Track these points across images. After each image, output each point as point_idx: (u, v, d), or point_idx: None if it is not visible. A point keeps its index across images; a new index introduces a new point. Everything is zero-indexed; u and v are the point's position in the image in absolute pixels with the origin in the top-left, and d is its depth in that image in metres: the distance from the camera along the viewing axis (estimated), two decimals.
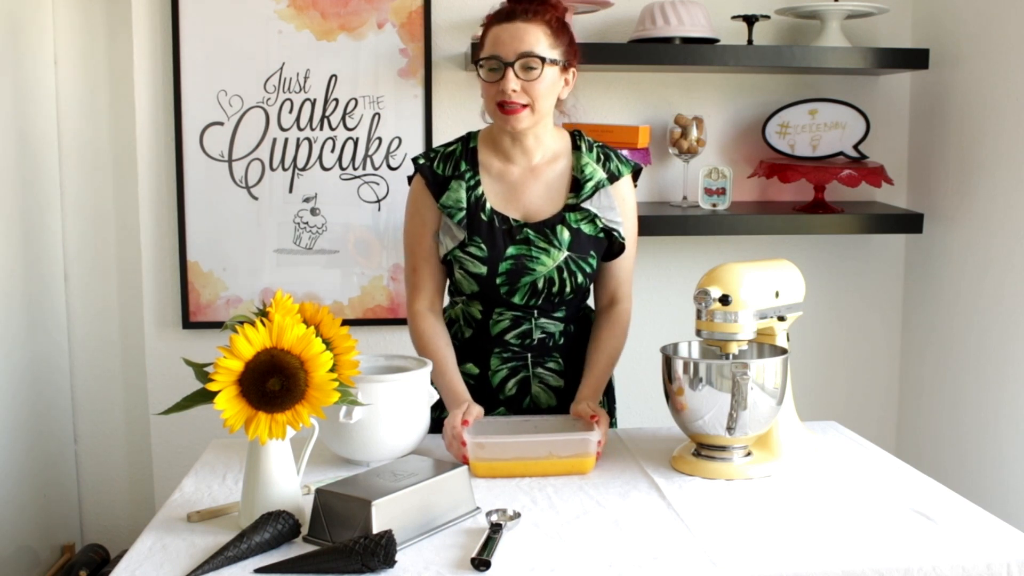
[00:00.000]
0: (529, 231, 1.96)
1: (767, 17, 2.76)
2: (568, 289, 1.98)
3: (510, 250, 1.95)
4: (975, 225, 2.67)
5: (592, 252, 1.98)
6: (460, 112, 2.78)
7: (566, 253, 1.96)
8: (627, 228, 2.02)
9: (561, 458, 1.76)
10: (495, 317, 2.02)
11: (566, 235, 1.96)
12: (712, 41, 2.69)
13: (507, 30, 1.87)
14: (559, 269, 1.96)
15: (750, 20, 2.73)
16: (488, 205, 1.97)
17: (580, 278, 1.98)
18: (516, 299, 1.98)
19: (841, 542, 1.49)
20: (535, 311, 2.01)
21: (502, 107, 1.88)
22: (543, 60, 1.86)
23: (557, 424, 1.92)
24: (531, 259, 1.95)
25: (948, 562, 1.43)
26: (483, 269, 1.96)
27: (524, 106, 1.88)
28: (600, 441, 1.80)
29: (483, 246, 1.95)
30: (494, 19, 1.92)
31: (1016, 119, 2.49)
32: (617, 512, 1.61)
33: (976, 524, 1.56)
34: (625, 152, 2.65)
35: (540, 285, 1.96)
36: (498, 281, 1.96)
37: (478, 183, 1.98)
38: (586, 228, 1.97)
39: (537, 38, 1.86)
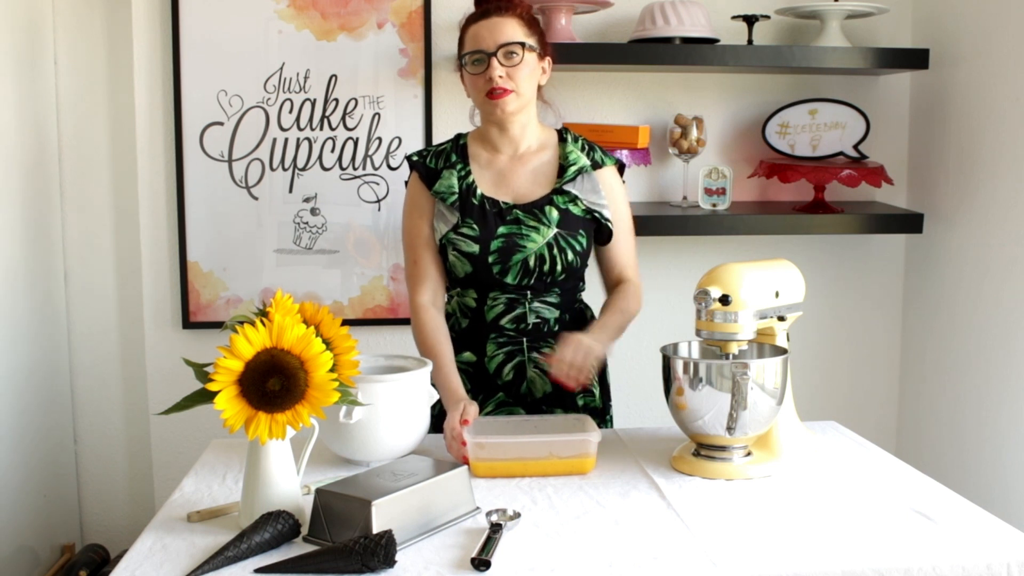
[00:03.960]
0: (519, 212, 2.04)
1: (767, 17, 2.76)
2: (559, 267, 2.03)
3: (501, 229, 2.03)
4: (975, 225, 2.67)
5: (581, 231, 2.05)
6: (460, 112, 2.78)
7: (555, 230, 2.03)
8: (615, 212, 2.10)
9: (561, 458, 1.76)
10: (489, 302, 2.07)
11: (555, 214, 2.04)
12: (712, 41, 2.69)
13: (484, 26, 2.00)
14: (549, 246, 2.02)
15: (750, 20, 2.73)
16: (479, 191, 2.05)
17: (570, 255, 2.04)
18: (509, 279, 2.03)
19: (841, 542, 1.49)
20: (528, 292, 2.05)
21: (490, 95, 1.98)
22: (522, 45, 1.98)
23: (557, 424, 1.92)
24: (522, 236, 2.02)
25: (948, 562, 1.43)
26: (475, 248, 2.02)
27: (510, 91, 1.98)
28: (588, 376, 1.90)
29: (475, 226, 2.03)
30: (470, 20, 2.05)
31: (1016, 119, 2.49)
32: (617, 512, 1.61)
33: (976, 524, 1.56)
34: (624, 152, 2.66)
35: (532, 263, 2.02)
36: (490, 260, 2.02)
37: (468, 172, 2.07)
38: (574, 209, 2.06)
39: (513, 29, 1.99)
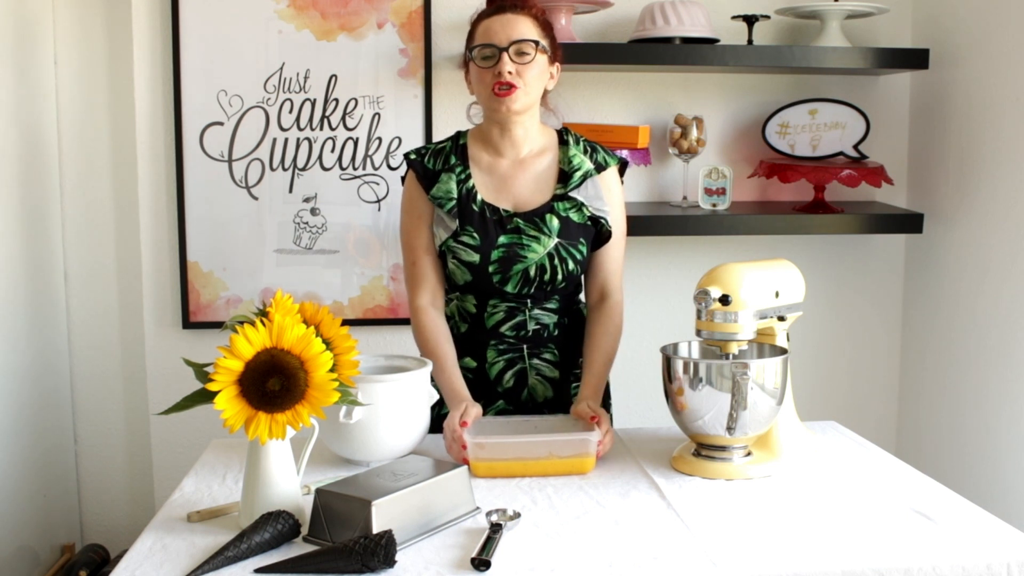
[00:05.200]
0: (519, 220, 2.01)
1: (767, 17, 2.76)
2: (560, 276, 2.01)
3: (501, 239, 2.00)
4: (975, 225, 2.67)
5: (582, 239, 2.02)
6: (460, 112, 2.78)
7: (556, 240, 2.00)
8: (614, 217, 2.06)
9: (561, 458, 1.76)
10: (489, 309, 2.05)
11: (555, 223, 2.00)
12: (712, 41, 2.69)
13: (498, 20, 1.96)
14: (550, 256, 2.00)
15: (750, 20, 2.73)
16: (479, 197, 2.02)
17: (571, 265, 2.01)
18: (509, 288, 2.01)
19: (841, 542, 1.49)
20: (528, 300, 2.04)
21: (498, 91, 1.93)
22: (536, 44, 1.95)
23: (557, 424, 1.92)
24: (522, 247, 1.99)
25: (948, 562, 1.43)
26: (476, 257, 1.99)
27: (517, 88, 1.94)
28: (601, 442, 1.80)
29: (475, 235, 1.99)
30: (483, 15, 2.01)
31: (1016, 119, 2.49)
32: (617, 512, 1.61)
33: (976, 524, 1.56)
34: (624, 152, 2.66)
35: (532, 273, 2.00)
36: (491, 269, 2.00)
37: (468, 176, 2.03)
38: (574, 216, 2.02)
39: (527, 27, 1.96)
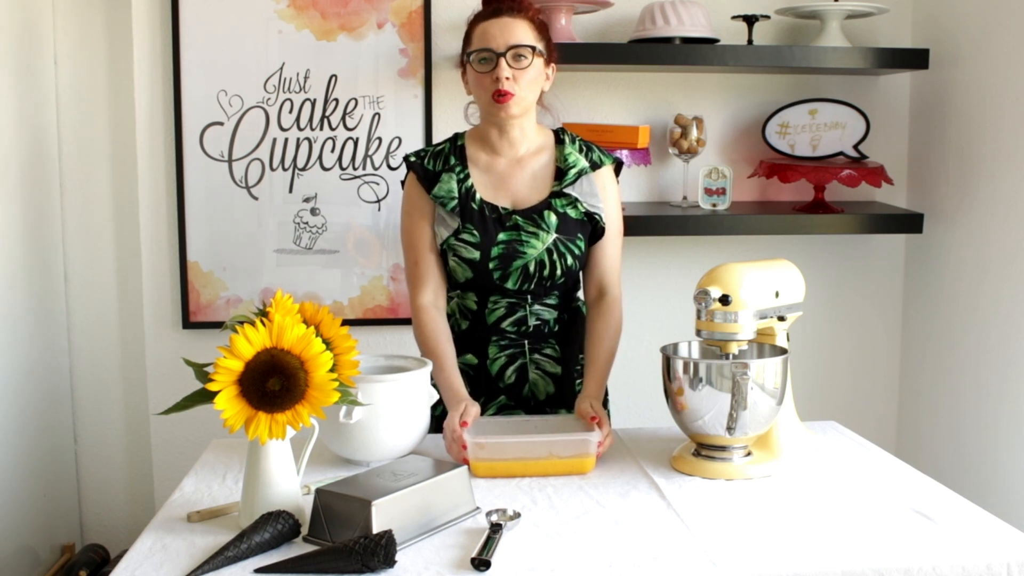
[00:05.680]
0: (518, 218, 2.03)
1: (767, 17, 2.76)
2: (559, 272, 2.03)
3: (501, 236, 2.02)
4: (975, 225, 2.67)
5: (579, 234, 2.04)
6: (460, 112, 2.78)
7: (554, 236, 2.02)
8: (609, 214, 2.08)
9: (561, 458, 1.76)
10: (490, 306, 2.06)
11: (553, 219, 2.03)
12: (712, 41, 2.69)
13: (495, 24, 1.97)
14: (548, 252, 2.02)
15: (750, 20, 2.73)
16: (478, 195, 2.04)
17: (569, 260, 2.03)
18: (509, 284, 2.03)
19: (841, 542, 1.49)
20: (529, 296, 2.05)
21: (496, 97, 1.95)
22: (532, 49, 1.96)
23: (557, 424, 1.92)
24: (521, 243, 2.01)
25: (948, 562, 1.43)
26: (476, 254, 2.01)
27: (514, 94, 1.96)
28: (601, 442, 1.80)
29: (475, 232, 2.01)
30: (480, 17, 2.02)
31: (1016, 119, 2.49)
32: (617, 512, 1.61)
33: (976, 524, 1.56)
34: (624, 152, 2.66)
35: (531, 268, 2.02)
36: (491, 266, 2.01)
37: (467, 176, 2.05)
38: (571, 212, 2.04)
39: (524, 31, 1.97)
